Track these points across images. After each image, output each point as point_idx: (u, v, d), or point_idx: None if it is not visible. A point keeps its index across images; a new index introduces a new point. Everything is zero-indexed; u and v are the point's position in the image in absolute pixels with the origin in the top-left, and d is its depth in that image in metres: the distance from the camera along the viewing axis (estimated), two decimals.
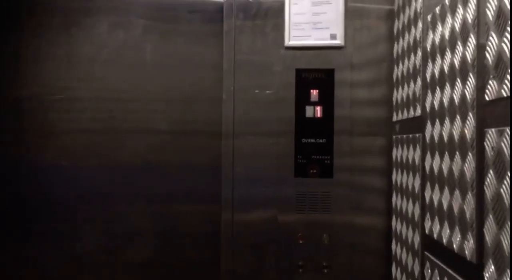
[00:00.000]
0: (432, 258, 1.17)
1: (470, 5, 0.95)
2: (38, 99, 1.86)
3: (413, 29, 1.38)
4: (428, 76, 1.23)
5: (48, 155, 1.85)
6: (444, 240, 1.07)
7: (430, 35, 1.21)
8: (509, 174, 0.75)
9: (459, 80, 1.00)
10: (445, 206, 1.07)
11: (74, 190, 1.84)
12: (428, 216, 1.20)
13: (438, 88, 1.14)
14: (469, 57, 0.95)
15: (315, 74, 1.68)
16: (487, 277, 0.83)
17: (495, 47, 0.82)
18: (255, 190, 1.70)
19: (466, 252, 0.94)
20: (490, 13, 0.84)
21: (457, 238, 0.99)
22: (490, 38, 0.84)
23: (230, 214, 1.70)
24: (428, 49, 1.23)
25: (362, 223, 1.67)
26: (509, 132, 0.76)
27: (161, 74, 1.83)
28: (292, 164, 1.69)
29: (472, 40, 0.94)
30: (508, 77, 0.77)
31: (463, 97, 0.98)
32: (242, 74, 1.70)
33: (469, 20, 0.95)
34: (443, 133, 1.09)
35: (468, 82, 0.95)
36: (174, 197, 1.83)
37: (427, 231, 1.21)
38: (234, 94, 1.70)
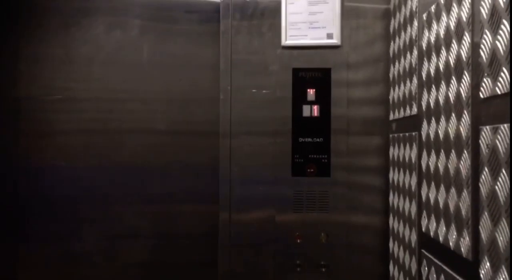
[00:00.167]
0: (429, 256, 1.17)
1: (464, 3, 0.96)
2: (37, 99, 1.86)
3: (409, 28, 1.39)
4: (424, 74, 1.23)
5: (46, 156, 1.85)
6: (441, 238, 1.08)
7: (426, 34, 1.21)
8: (503, 171, 0.76)
9: (454, 78, 1.01)
10: (441, 204, 1.08)
11: (72, 190, 1.84)
12: (424, 214, 1.21)
13: (433, 86, 1.15)
14: (464, 55, 0.96)
15: (312, 73, 1.68)
16: (482, 274, 0.84)
17: (489, 45, 0.83)
18: (252, 189, 1.70)
19: (462, 249, 0.95)
20: (484, 11, 0.85)
21: (453, 236, 1.00)
22: (484, 36, 0.85)
23: (227, 213, 1.70)
24: (424, 48, 1.23)
25: (360, 222, 1.67)
26: (503, 129, 0.76)
27: (159, 74, 1.83)
28: (289, 164, 1.69)
29: (466, 38, 0.95)
30: (502, 74, 0.77)
31: (458, 95, 0.98)
32: (239, 74, 1.71)
33: (464, 19, 0.96)
34: (439, 131, 1.10)
35: (463, 80, 0.96)
36: (173, 197, 1.83)
37: (423, 229, 1.22)
38: (231, 93, 1.70)
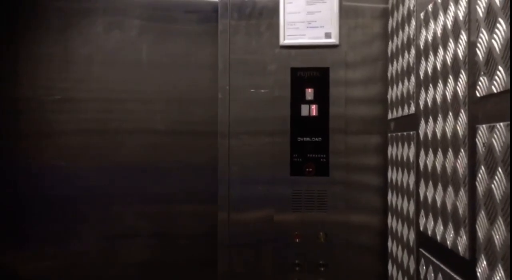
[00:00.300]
0: (427, 255, 1.17)
1: (461, 2, 0.96)
2: (37, 99, 1.86)
3: (406, 27, 1.39)
4: (421, 73, 1.23)
5: (46, 156, 1.85)
6: (438, 237, 1.08)
7: (423, 33, 1.22)
8: (499, 169, 0.76)
9: (451, 77, 1.01)
10: (438, 202, 1.08)
11: (72, 191, 1.84)
12: (422, 213, 1.21)
13: (431, 85, 1.15)
14: (460, 54, 0.96)
15: (310, 72, 1.68)
16: (479, 273, 0.84)
17: (485, 43, 0.83)
18: (251, 189, 1.70)
19: (459, 248, 0.95)
20: (481, 10, 0.85)
21: (450, 235, 1.00)
22: (481, 34, 0.85)
23: (226, 213, 1.70)
24: (421, 47, 1.23)
25: (358, 221, 1.67)
26: (499, 128, 0.76)
27: (158, 74, 1.83)
28: (288, 163, 1.69)
29: (463, 37, 0.95)
30: (498, 73, 0.77)
31: (455, 94, 0.98)
32: (237, 74, 1.71)
33: (461, 17, 0.96)
34: (436, 130, 1.10)
35: (460, 79, 0.96)
36: (172, 197, 1.83)
37: (421, 228, 1.22)
38: (229, 93, 1.71)
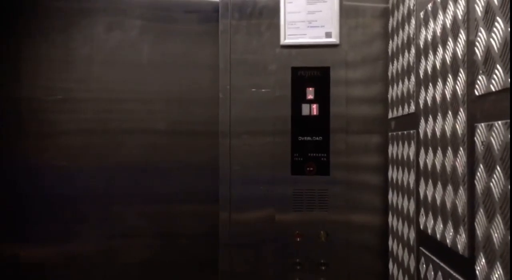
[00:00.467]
0: (427, 253, 1.17)
1: (460, 1, 0.96)
2: (37, 99, 1.87)
3: (406, 27, 1.39)
4: (421, 72, 1.23)
5: (47, 156, 1.86)
6: (438, 235, 1.08)
7: (423, 32, 1.22)
8: (498, 168, 0.76)
9: (450, 76, 1.01)
10: (438, 201, 1.08)
11: (72, 191, 1.85)
12: (422, 211, 1.21)
13: (431, 84, 1.15)
14: (459, 53, 0.96)
15: (311, 72, 1.69)
16: (478, 271, 0.84)
17: (484, 42, 0.83)
18: (252, 188, 1.70)
19: (459, 246, 0.95)
20: (479, 9, 0.85)
21: (450, 233, 1.00)
22: (479, 33, 0.85)
23: (227, 213, 1.71)
24: (421, 46, 1.23)
25: (359, 220, 1.68)
26: (498, 126, 0.77)
27: (159, 74, 1.84)
28: (288, 162, 1.69)
29: (462, 36, 0.95)
30: (497, 71, 0.78)
31: (454, 92, 0.99)
32: (238, 73, 1.71)
33: (459, 16, 0.96)
34: (436, 129, 1.10)
35: (459, 78, 0.96)
36: (173, 197, 1.84)
37: (421, 227, 1.22)
38: (230, 93, 1.71)
